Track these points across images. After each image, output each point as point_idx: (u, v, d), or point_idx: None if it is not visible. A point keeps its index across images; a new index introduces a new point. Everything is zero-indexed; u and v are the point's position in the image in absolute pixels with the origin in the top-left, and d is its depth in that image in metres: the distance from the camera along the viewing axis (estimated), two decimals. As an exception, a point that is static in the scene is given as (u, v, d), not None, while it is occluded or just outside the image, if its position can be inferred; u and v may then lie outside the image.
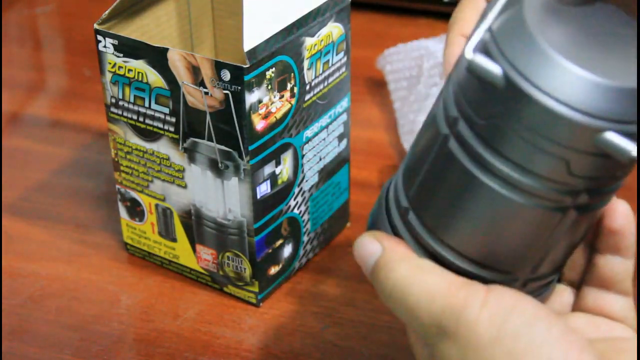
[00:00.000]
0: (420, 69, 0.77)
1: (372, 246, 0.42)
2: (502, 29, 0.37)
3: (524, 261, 0.41)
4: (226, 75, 0.54)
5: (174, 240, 0.63)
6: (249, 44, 0.53)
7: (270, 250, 0.61)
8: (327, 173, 0.64)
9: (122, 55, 0.58)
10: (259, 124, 0.56)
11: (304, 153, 0.61)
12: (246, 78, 0.53)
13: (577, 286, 0.45)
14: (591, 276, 0.44)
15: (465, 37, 0.47)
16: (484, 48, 0.37)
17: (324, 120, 0.62)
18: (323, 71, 0.60)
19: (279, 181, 0.59)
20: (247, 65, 0.53)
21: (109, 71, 0.59)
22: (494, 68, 0.36)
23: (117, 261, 0.66)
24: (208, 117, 0.56)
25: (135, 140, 0.61)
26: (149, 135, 0.60)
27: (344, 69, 0.62)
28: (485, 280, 0.41)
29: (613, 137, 0.35)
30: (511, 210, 0.39)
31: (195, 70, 0.55)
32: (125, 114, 0.60)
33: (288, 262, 0.63)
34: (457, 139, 0.39)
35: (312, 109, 0.60)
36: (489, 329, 0.37)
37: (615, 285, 0.43)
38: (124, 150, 0.62)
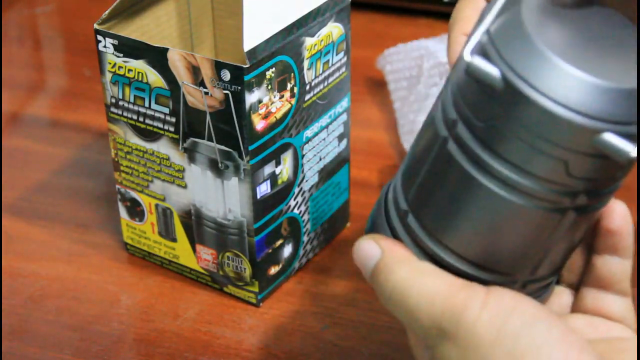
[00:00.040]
0: (420, 69, 0.77)
1: (371, 249, 0.42)
2: (500, 31, 0.37)
3: (523, 262, 0.41)
4: (226, 75, 0.54)
5: (174, 240, 0.63)
6: (249, 44, 0.53)
7: (270, 250, 0.61)
8: (327, 173, 0.64)
9: (122, 55, 0.58)
10: (259, 124, 0.56)
11: (304, 153, 0.61)
12: (246, 78, 0.53)
13: (576, 288, 0.46)
14: (589, 277, 0.44)
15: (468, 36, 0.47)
16: (482, 50, 0.37)
17: (324, 120, 0.62)
18: (323, 71, 0.60)
19: (279, 181, 0.59)
20: (247, 65, 0.53)
21: (109, 71, 0.59)
22: (492, 70, 0.36)
23: (117, 261, 0.66)
24: (208, 117, 0.56)
25: (135, 140, 0.61)
26: (149, 135, 0.60)
27: (344, 69, 0.62)
28: (484, 282, 0.41)
29: (611, 138, 0.35)
30: (510, 211, 0.39)
31: (195, 70, 0.55)
32: (125, 114, 0.60)
33: (288, 262, 0.63)
34: (456, 141, 0.39)
35: (312, 109, 0.60)
36: (489, 330, 0.38)
37: (614, 285, 0.43)
38: (124, 150, 0.62)
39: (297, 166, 0.61)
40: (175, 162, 0.59)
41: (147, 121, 0.59)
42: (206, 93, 0.55)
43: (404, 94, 0.78)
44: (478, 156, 0.38)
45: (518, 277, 0.41)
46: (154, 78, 0.57)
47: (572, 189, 0.38)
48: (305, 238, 0.64)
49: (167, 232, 0.63)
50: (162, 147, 0.59)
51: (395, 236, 0.43)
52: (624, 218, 0.43)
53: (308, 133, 0.61)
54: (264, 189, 0.58)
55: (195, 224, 0.61)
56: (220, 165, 0.57)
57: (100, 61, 0.59)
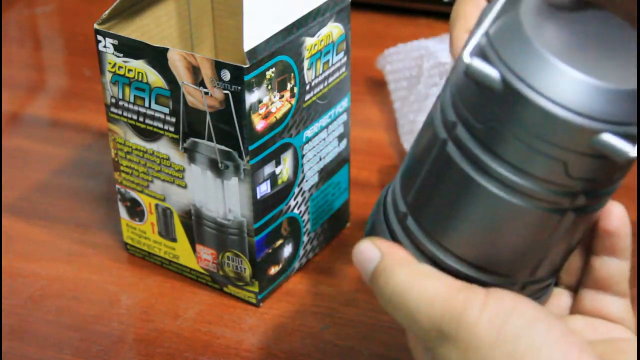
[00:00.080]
0: (420, 69, 0.77)
1: (370, 252, 0.42)
2: (499, 33, 0.37)
3: (523, 264, 0.41)
4: (226, 75, 0.54)
5: (174, 240, 0.63)
6: (249, 44, 0.53)
7: (270, 250, 0.61)
8: (327, 173, 0.64)
9: (122, 55, 0.58)
10: (259, 124, 0.56)
11: (304, 153, 0.61)
12: (246, 78, 0.53)
13: (574, 289, 0.46)
14: (588, 278, 0.44)
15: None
16: (481, 52, 0.37)
17: (324, 120, 0.62)
18: (323, 71, 0.60)
19: (279, 181, 0.59)
20: (247, 65, 0.53)
21: (109, 71, 0.59)
22: (491, 72, 0.36)
23: (117, 261, 0.66)
24: (208, 117, 0.56)
25: (135, 140, 0.61)
26: (149, 135, 0.60)
27: (344, 69, 0.62)
28: (484, 284, 0.41)
29: (610, 138, 0.36)
30: (510, 212, 0.39)
31: (195, 70, 0.55)
32: (125, 114, 0.60)
33: (288, 262, 0.63)
34: (455, 143, 0.39)
35: (312, 109, 0.60)
36: (489, 331, 0.38)
37: (612, 286, 0.43)
38: (124, 150, 0.62)
39: (297, 166, 0.61)
40: (175, 162, 0.60)
41: (147, 121, 0.59)
42: (206, 93, 0.55)
43: (404, 94, 0.78)
44: (477, 157, 0.38)
45: (517, 279, 0.41)
46: (154, 78, 0.57)
47: (571, 190, 0.38)
48: (305, 238, 0.64)
49: (167, 232, 0.63)
50: (162, 147, 0.60)
51: (394, 239, 0.43)
52: (622, 219, 0.43)
53: (308, 133, 0.61)
54: (264, 189, 0.58)
55: (195, 224, 0.61)
56: (220, 165, 0.57)
57: (100, 61, 0.59)
